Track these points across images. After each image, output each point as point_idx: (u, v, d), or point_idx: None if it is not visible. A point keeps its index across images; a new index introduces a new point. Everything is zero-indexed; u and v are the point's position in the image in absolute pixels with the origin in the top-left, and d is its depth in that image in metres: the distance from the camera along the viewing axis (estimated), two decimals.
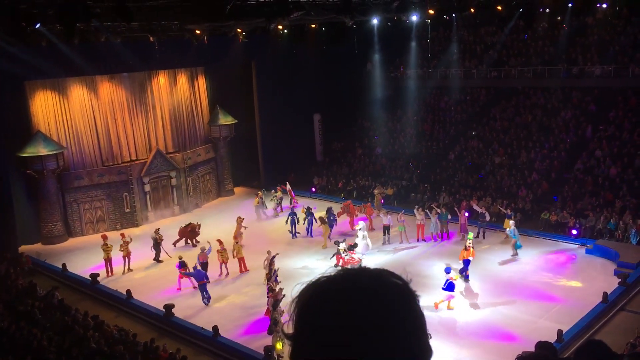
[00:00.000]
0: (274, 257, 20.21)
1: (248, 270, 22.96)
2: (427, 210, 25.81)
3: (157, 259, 24.65)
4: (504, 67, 34.59)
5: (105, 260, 23.29)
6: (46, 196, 27.69)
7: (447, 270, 18.76)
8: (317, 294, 1.26)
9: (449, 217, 25.55)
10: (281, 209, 30.34)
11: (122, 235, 24.13)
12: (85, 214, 29.13)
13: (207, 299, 20.24)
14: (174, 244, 25.82)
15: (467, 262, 20.56)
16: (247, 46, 30.67)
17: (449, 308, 18.65)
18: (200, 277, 20.31)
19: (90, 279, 22.44)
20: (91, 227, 29.22)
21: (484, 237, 25.18)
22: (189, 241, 26.15)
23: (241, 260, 22.96)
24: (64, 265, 24.04)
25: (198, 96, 33.50)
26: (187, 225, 25.65)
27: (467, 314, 18.59)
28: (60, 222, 28.16)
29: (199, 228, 25.22)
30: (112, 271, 23.45)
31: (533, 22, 34.77)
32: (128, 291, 21.02)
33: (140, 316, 20.08)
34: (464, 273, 20.42)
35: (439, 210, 25.57)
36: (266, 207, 30.27)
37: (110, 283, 22.68)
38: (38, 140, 26.94)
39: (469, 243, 20.84)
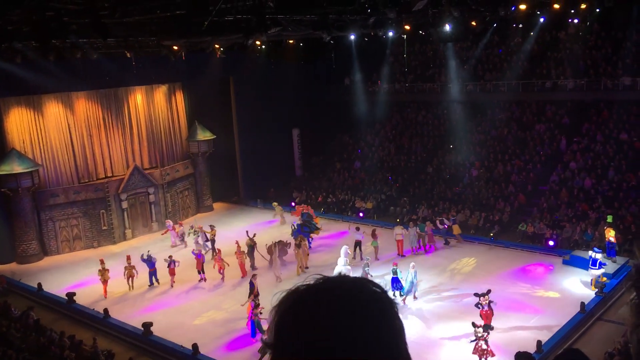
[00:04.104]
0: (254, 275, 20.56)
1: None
2: (408, 224, 26.09)
3: (251, 265, 24.41)
4: (479, 82, 35.11)
5: (103, 283, 22.81)
6: (21, 214, 27.24)
7: (597, 250, 20.58)
8: (296, 302, 1.27)
9: (426, 229, 25.82)
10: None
11: (128, 257, 23.65)
12: (61, 232, 28.69)
13: (154, 281, 23.50)
14: (270, 263, 24.07)
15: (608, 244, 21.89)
16: (225, 62, 30.69)
17: (602, 279, 20.15)
18: (151, 266, 23.30)
19: (66, 298, 22.05)
20: (67, 246, 28.78)
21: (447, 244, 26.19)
22: (278, 258, 24.39)
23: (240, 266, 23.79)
24: (39, 284, 23.61)
25: (176, 112, 33.38)
26: (277, 243, 24.58)
27: (447, 325, 18.65)
28: (36, 241, 27.69)
29: (289, 246, 24.40)
30: (105, 293, 22.79)
31: (507, 38, 35.46)
32: (105, 310, 20.70)
33: (118, 335, 19.77)
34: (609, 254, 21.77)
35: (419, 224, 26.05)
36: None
37: (114, 304, 22.11)
38: (12, 158, 26.55)
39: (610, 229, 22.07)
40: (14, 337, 16.80)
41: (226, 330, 19.53)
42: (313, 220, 27.06)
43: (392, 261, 22.45)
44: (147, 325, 19.08)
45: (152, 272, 23.47)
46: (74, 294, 22.20)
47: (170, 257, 23.67)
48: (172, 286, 23.37)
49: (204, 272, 23.64)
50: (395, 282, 20.41)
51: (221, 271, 23.48)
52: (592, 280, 20.85)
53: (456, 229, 26.32)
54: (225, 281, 23.48)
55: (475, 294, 17.79)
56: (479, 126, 34.10)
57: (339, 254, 22.40)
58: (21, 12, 14.66)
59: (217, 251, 24.30)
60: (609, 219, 23.03)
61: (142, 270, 23.47)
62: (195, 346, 17.51)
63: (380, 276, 21.60)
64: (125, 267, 23.27)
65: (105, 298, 22.51)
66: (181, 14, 16.31)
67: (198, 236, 27.17)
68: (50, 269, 26.33)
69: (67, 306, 21.94)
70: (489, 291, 17.74)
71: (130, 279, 23.26)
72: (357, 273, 21.32)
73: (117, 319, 20.53)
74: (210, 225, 27.33)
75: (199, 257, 23.74)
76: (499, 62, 35.42)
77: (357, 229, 25.32)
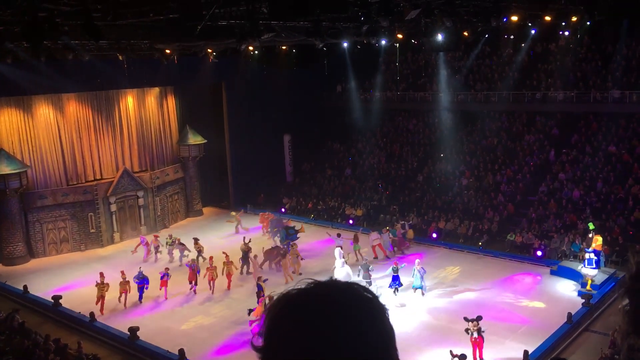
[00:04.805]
0: (263, 279, 20.81)
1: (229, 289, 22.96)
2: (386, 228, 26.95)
3: (247, 271, 24.23)
4: (470, 91, 35.33)
5: (98, 297, 21.28)
6: (8, 216, 27.00)
7: (590, 251, 21.16)
8: (288, 306, 1.27)
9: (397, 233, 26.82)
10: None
11: (122, 273, 22.04)
12: (49, 235, 28.44)
13: (140, 298, 22.08)
14: (261, 266, 23.93)
15: (597, 253, 21.81)
16: (218, 66, 30.69)
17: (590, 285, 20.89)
18: (141, 282, 21.91)
19: (52, 301, 21.84)
20: (54, 248, 28.54)
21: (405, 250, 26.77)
22: (273, 265, 24.43)
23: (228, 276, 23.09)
24: (25, 287, 23.36)
25: (167, 115, 33.29)
26: (272, 249, 24.54)
27: (435, 335, 18.65)
28: (22, 243, 27.43)
29: (285, 253, 23.91)
30: (102, 309, 21.23)
31: (498, 48, 35.74)
32: (91, 314, 20.52)
33: (104, 339, 19.60)
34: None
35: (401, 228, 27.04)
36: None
37: (109, 320, 21.00)
38: (1, 158, 26.33)
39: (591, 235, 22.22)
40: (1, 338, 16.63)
41: (213, 335, 19.41)
42: (284, 223, 27.52)
43: (393, 261, 22.93)
44: (134, 330, 18.93)
45: (143, 288, 22.15)
46: (60, 297, 22.00)
47: (166, 269, 22.72)
48: (166, 298, 22.40)
49: (196, 284, 22.72)
50: (395, 279, 20.88)
51: (211, 282, 22.66)
52: (584, 279, 21.28)
53: (410, 234, 27.54)
54: (212, 288, 22.89)
55: (465, 319, 16.61)
56: (470, 136, 34.29)
57: (328, 259, 22.41)
58: (13, 12, 14.59)
59: (208, 259, 23.35)
60: (591, 225, 23.13)
61: (105, 271, 22.86)
62: (181, 351, 17.38)
63: (380, 277, 22.00)
64: (120, 283, 21.68)
65: (102, 314, 21.02)
66: (174, 18, 16.29)
67: (173, 247, 26.17)
68: (36, 272, 26.07)
69: (53, 309, 21.73)
70: (479, 317, 16.43)
71: (124, 294, 21.77)
72: (358, 273, 21.76)
73: (104, 323, 20.35)
74: (195, 239, 26.24)
75: (192, 268, 22.77)
76: (490, 72, 35.69)
77: (339, 235, 25.53)
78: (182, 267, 24.18)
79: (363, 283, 20.67)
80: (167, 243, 26.85)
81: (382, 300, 1.32)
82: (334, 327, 1.21)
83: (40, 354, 15.45)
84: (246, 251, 24.51)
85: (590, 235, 22.35)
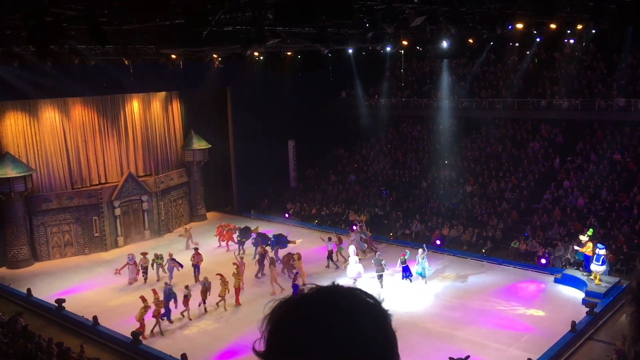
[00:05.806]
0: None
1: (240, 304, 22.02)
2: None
3: (258, 274, 24.33)
4: (475, 99, 35.32)
5: (139, 321, 19.55)
6: (13, 219, 27.07)
7: (600, 247, 21.22)
8: (290, 311, 1.27)
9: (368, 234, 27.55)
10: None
11: (154, 292, 20.48)
12: (53, 238, 28.51)
13: (168, 319, 20.53)
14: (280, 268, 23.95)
15: (587, 258, 22.06)
16: (223, 72, 30.78)
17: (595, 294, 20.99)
18: (168, 299, 20.46)
19: (56, 304, 21.86)
20: (58, 252, 28.60)
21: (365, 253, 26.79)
22: (285, 271, 23.90)
23: (237, 291, 22.08)
24: (29, 290, 23.42)
25: (172, 120, 33.39)
26: (285, 256, 24.25)
27: (438, 342, 18.58)
28: (27, 246, 27.50)
29: (293, 261, 23.46)
30: (144, 334, 19.60)
31: (503, 56, 35.72)
32: (94, 317, 20.53)
33: (106, 343, 19.60)
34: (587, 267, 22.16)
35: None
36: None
37: (104, 311, 20.92)
38: (6, 161, 26.44)
39: (586, 239, 22.14)
40: (1, 343, 16.64)
41: (216, 340, 19.39)
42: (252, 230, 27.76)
43: (400, 253, 23.24)
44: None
45: (169, 307, 20.54)
46: (64, 300, 21.99)
47: (186, 286, 21.24)
48: (190, 318, 20.93)
49: (204, 301, 21.43)
50: (405, 270, 21.92)
51: (221, 298, 21.50)
52: (594, 275, 21.62)
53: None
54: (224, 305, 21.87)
55: (451, 359, 15.72)
56: (474, 143, 34.26)
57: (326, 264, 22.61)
58: (20, 16, 14.68)
59: (221, 278, 21.77)
60: (590, 232, 23.10)
61: (106, 275, 22.76)
62: (184, 356, 17.35)
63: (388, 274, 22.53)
64: (154, 302, 19.82)
65: (145, 339, 19.47)
66: (180, 23, 16.35)
67: (165, 265, 24.34)
68: (40, 275, 26.12)
69: (57, 312, 21.75)
70: (467, 357, 15.61)
71: (158, 318, 19.98)
72: (371, 269, 22.40)
73: (107, 326, 20.34)
74: (195, 248, 25.13)
75: (204, 285, 21.63)
76: (495, 79, 35.67)
77: (329, 239, 25.72)
78: (178, 284, 22.33)
79: (377, 281, 21.33)
80: (152, 262, 24.72)
81: (385, 305, 1.32)
82: (336, 329, 1.21)
83: (43, 357, 15.46)
84: (262, 255, 24.53)
85: (584, 240, 22.18)
